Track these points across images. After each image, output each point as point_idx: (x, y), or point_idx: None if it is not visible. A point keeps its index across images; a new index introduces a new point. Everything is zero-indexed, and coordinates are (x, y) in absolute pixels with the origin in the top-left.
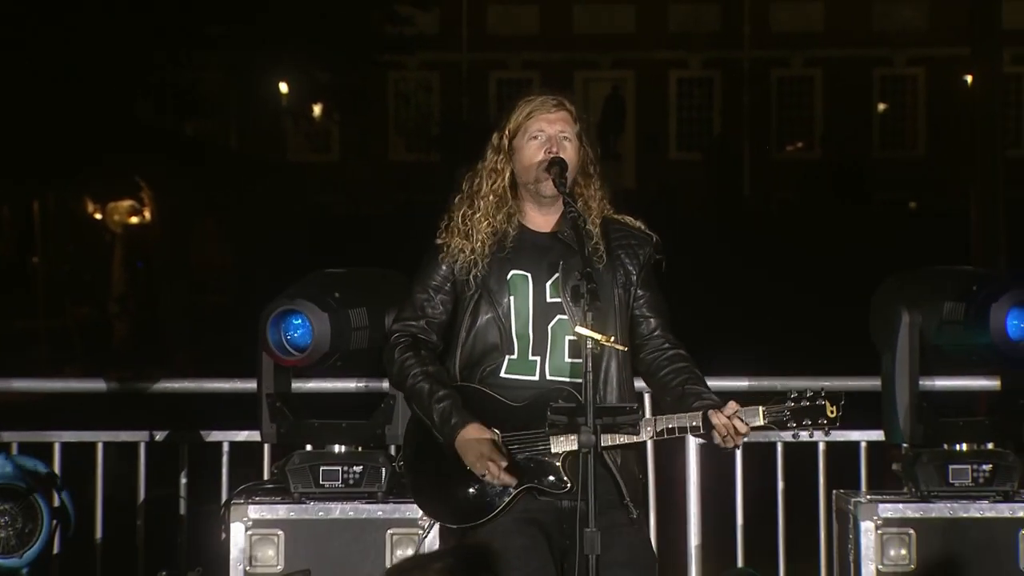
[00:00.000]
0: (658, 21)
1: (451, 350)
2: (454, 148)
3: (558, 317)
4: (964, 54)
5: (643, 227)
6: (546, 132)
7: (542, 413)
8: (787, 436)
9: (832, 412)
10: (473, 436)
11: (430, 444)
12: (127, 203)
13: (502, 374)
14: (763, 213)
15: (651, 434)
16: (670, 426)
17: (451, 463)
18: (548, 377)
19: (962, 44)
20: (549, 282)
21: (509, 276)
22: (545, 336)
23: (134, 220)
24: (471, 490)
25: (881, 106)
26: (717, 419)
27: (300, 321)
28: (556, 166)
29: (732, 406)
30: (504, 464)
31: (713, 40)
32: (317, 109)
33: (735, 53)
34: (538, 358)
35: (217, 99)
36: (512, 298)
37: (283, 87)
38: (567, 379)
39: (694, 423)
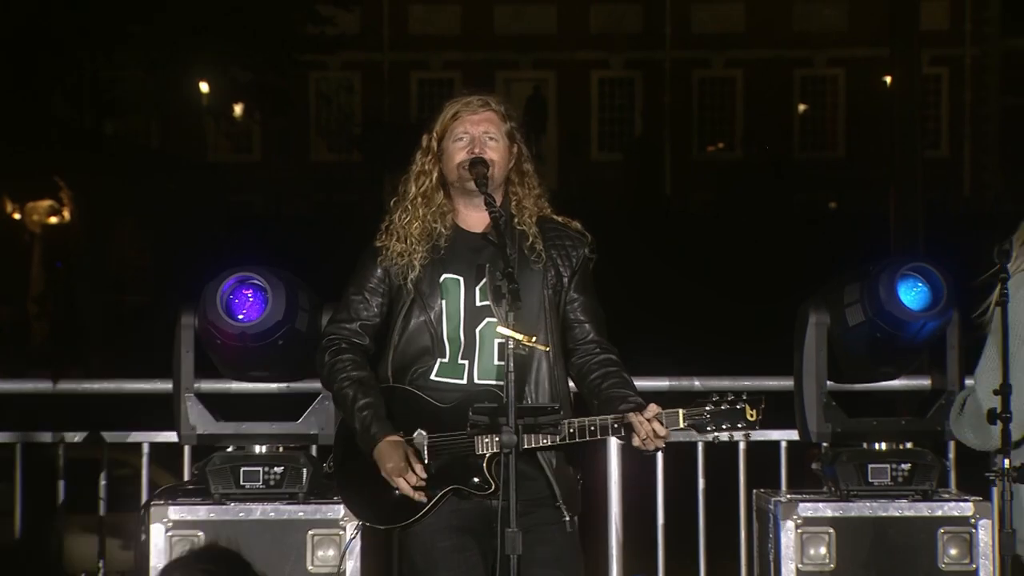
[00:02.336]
0: (579, 21)
1: (383, 353)
2: (375, 148)
3: (487, 320)
4: (883, 55)
5: (579, 227)
6: (470, 133)
7: (468, 415)
8: (708, 438)
9: (752, 415)
10: (389, 448)
11: (357, 447)
12: (46, 203)
13: (432, 377)
14: (684, 213)
15: (572, 435)
16: (591, 427)
17: (376, 464)
18: (476, 380)
19: (881, 45)
20: (479, 286)
21: (442, 280)
22: (474, 340)
23: (53, 220)
24: (397, 491)
25: (801, 107)
26: (637, 422)
27: (251, 291)
28: (477, 166)
29: (652, 409)
30: (417, 478)
31: (634, 41)
32: (238, 109)
33: (656, 54)
34: (466, 362)
35: (137, 98)
36: (444, 302)
37: (204, 86)
38: (495, 382)
39: (615, 424)
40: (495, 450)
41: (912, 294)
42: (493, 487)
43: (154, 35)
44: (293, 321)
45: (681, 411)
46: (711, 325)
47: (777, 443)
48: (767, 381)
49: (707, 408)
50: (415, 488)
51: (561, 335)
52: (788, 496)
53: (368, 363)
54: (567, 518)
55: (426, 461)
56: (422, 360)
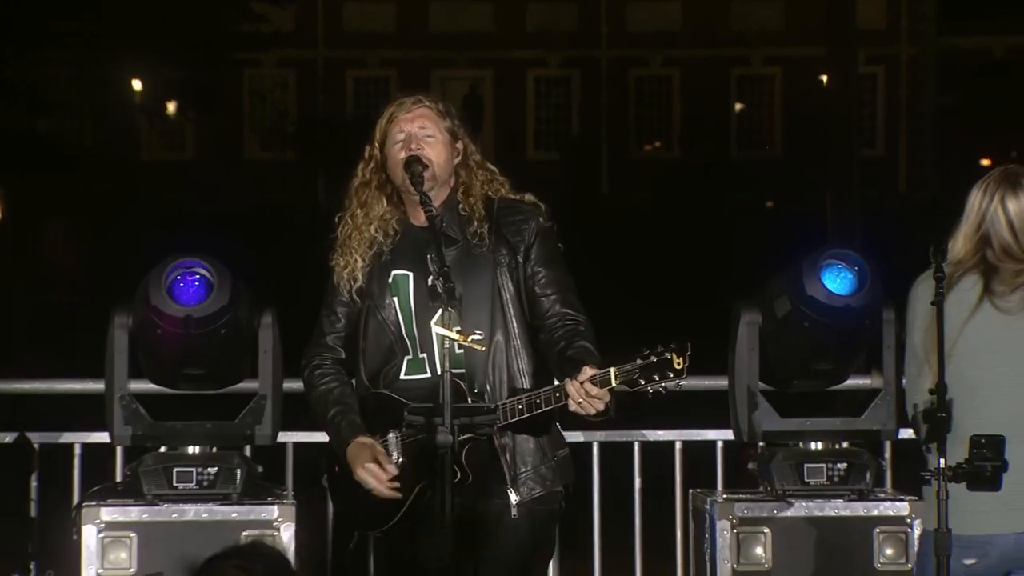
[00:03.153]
0: (516, 20)
1: (356, 362)
2: (310, 146)
3: (439, 312)
4: (820, 54)
5: (532, 198)
6: (406, 131)
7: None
8: (642, 393)
9: (679, 363)
10: (357, 449)
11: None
12: None
13: (402, 376)
14: (621, 212)
15: (520, 411)
16: (537, 401)
17: None
18: (437, 372)
19: (818, 44)
20: (430, 278)
21: (391, 278)
22: (429, 332)
23: None
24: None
25: (738, 106)
26: (570, 387)
27: (195, 278)
28: (412, 165)
29: (586, 372)
30: (386, 474)
31: (571, 39)
32: (171, 107)
33: (593, 52)
34: (425, 355)
35: (69, 97)
36: (395, 299)
37: (137, 84)
38: (461, 370)
39: (557, 394)
40: (464, 436)
41: (836, 280)
42: (459, 477)
43: (86, 33)
44: (237, 309)
45: (612, 369)
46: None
47: (713, 443)
48: (703, 381)
49: (637, 363)
50: (390, 487)
51: (524, 312)
52: (724, 496)
53: (344, 372)
54: (511, 501)
55: (399, 460)
56: (391, 361)
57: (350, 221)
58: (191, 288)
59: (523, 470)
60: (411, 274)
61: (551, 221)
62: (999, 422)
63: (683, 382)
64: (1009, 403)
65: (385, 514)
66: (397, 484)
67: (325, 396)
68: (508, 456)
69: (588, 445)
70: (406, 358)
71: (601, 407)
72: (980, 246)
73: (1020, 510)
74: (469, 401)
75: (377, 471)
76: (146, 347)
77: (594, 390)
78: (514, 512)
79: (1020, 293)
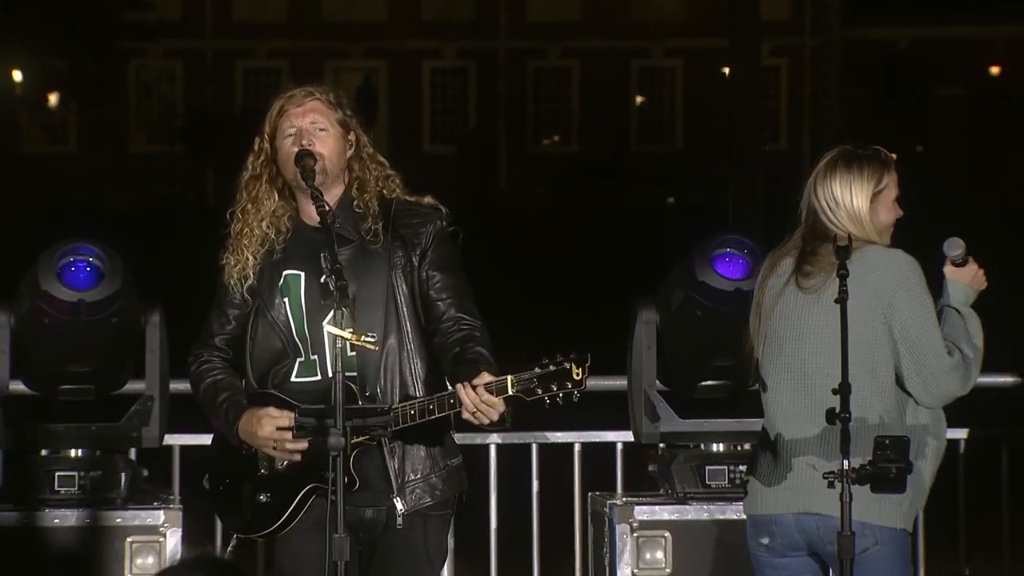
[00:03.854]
0: (411, 9)
1: (244, 363)
2: (199, 140)
3: (332, 312)
4: (722, 46)
5: (431, 201)
6: (297, 126)
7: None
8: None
9: (578, 374)
10: (248, 418)
11: (226, 457)
12: None
13: (292, 378)
14: (519, 208)
15: (413, 417)
16: (430, 407)
17: (244, 472)
18: (329, 375)
19: (720, 36)
20: (321, 279)
21: (282, 279)
22: (321, 334)
23: None
24: (262, 497)
25: (639, 99)
26: (465, 395)
27: (86, 264)
28: (303, 159)
29: (483, 378)
30: (286, 431)
31: (468, 29)
32: (53, 98)
33: (491, 43)
34: (316, 357)
35: None
36: (286, 300)
37: (17, 74)
38: (352, 373)
39: (451, 400)
40: (355, 439)
41: (728, 265)
42: (347, 481)
43: None
44: (128, 297)
45: (510, 377)
46: (547, 326)
47: (613, 444)
48: (603, 381)
49: (535, 371)
50: (292, 445)
51: (419, 316)
52: (624, 499)
53: (231, 369)
54: (399, 510)
55: (284, 464)
56: (280, 363)
57: (241, 217)
58: (82, 274)
59: (412, 478)
60: (303, 274)
61: (452, 225)
62: (783, 407)
63: (580, 392)
64: (796, 386)
65: (268, 517)
66: (299, 445)
67: (213, 386)
68: (396, 463)
69: (485, 447)
70: (298, 360)
71: (495, 416)
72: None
73: (794, 490)
74: (360, 403)
75: (279, 419)
76: (31, 341)
77: (489, 398)
78: (399, 521)
79: (824, 274)
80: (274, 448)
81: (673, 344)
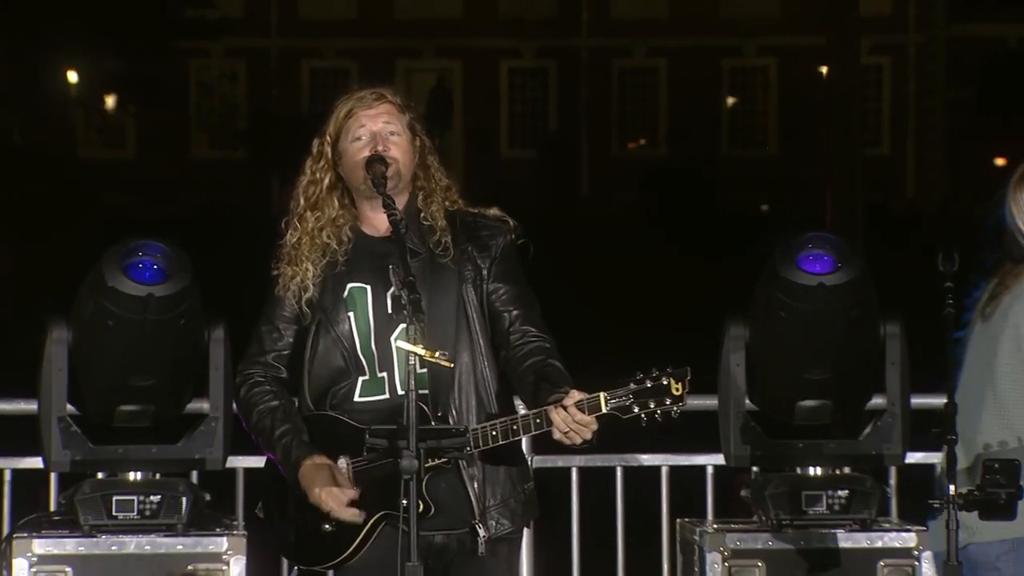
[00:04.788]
0: (487, 5)
1: (301, 382)
2: (262, 144)
3: (401, 327)
4: (819, 43)
5: (497, 213)
6: (369, 128)
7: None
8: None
9: (677, 389)
10: (312, 471)
11: (285, 484)
12: None
13: (356, 398)
14: (602, 216)
15: (495, 438)
16: (513, 427)
17: (307, 500)
18: (399, 393)
19: (817, 33)
20: (390, 292)
21: (346, 291)
22: (390, 350)
23: None
24: (327, 526)
25: (731, 100)
26: (555, 415)
27: (153, 260)
28: (374, 165)
29: (573, 397)
30: (346, 496)
31: (548, 27)
32: (110, 100)
33: (572, 41)
34: (385, 374)
35: None
36: (351, 315)
37: (72, 76)
38: (422, 391)
39: (537, 420)
40: (429, 463)
41: (811, 262)
42: (421, 508)
43: (14, 16)
44: (195, 298)
45: (603, 394)
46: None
47: (703, 468)
48: (692, 400)
49: (630, 387)
50: (352, 512)
51: (489, 332)
52: (715, 526)
53: (286, 391)
54: (481, 535)
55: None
56: (341, 382)
57: (299, 225)
58: (148, 272)
59: (492, 502)
60: (369, 287)
61: (522, 238)
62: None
63: (680, 408)
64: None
65: (334, 547)
66: (357, 510)
67: (270, 415)
68: (477, 487)
69: (566, 470)
70: (361, 378)
71: (588, 435)
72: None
73: None
74: (433, 424)
75: (339, 493)
76: (92, 352)
77: (583, 417)
78: (481, 547)
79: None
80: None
81: (761, 357)
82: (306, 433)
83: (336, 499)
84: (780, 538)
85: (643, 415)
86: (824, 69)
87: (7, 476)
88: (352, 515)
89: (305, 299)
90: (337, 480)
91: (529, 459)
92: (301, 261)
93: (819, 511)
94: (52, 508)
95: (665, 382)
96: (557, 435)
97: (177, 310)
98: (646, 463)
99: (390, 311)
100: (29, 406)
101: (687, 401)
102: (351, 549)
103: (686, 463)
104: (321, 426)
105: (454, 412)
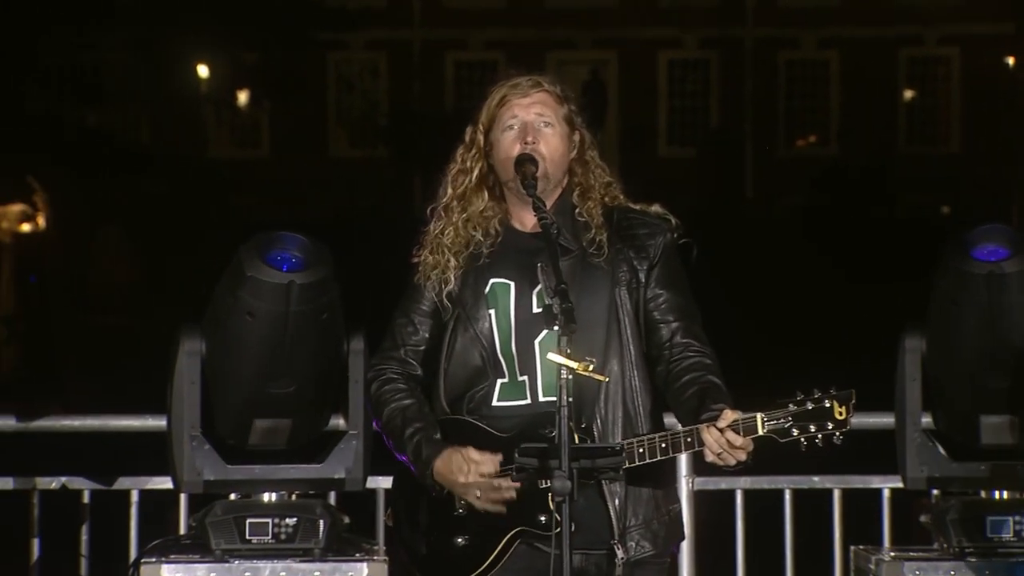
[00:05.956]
0: None
1: (435, 382)
2: (405, 142)
3: (545, 331)
4: (1007, 31)
5: (660, 210)
6: (521, 118)
7: (533, 441)
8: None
9: (841, 413)
10: (446, 461)
11: (417, 492)
12: (17, 208)
13: (494, 402)
14: (768, 220)
15: (642, 455)
16: (662, 446)
17: (438, 511)
18: (541, 399)
19: (1004, 19)
20: (535, 290)
21: (488, 287)
22: (532, 352)
23: (26, 228)
24: (459, 540)
25: (909, 93)
26: (708, 436)
27: (292, 254)
28: (524, 165)
29: (727, 417)
30: (494, 477)
31: (710, 16)
32: (243, 96)
33: (736, 31)
34: (526, 378)
35: (125, 85)
36: (492, 312)
37: (203, 70)
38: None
39: (688, 439)
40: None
41: (984, 251)
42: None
43: (143, 8)
44: (336, 292)
45: (759, 415)
46: (801, 353)
47: (879, 491)
48: (867, 419)
49: (790, 408)
50: (497, 497)
51: (642, 340)
52: (892, 554)
53: (419, 390)
54: (619, 557)
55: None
56: (478, 384)
57: (444, 214)
58: (288, 262)
59: (634, 523)
60: (513, 283)
61: (684, 238)
62: None
63: (843, 433)
64: None
65: (466, 563)
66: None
67: (401, 413)
68: (618, 505)
69: (730, 492)
70: (500, 381)
71: (743, 457)
72: None
73: None
74: (576, 438)
75: (481, 461)
76: (226, 360)
77: (737, 439)
78: (619, 570)
79: None
80: (477, 497)
81: (937, 367)
82: (439, 431)
83: (491, 461)
84: (963, 567)
85: (803, 439)
86: (1011, 59)
87: (134, 497)
88: (508, 491)
89: (445, 292)
90: (476, 458)
91: (689, 480)
92: (443, 252)
93: (1005, 538)
94: (182, 531)
95: (828, 405)
96: (710, 456)
97: (319, 301)
98: (817, 485)
99: (535, 310)
100: (157, 422)
101: (851, 425)
102: (484, 566)
103: (860, 486)
104: (456, 431)
105: (599, 423)
